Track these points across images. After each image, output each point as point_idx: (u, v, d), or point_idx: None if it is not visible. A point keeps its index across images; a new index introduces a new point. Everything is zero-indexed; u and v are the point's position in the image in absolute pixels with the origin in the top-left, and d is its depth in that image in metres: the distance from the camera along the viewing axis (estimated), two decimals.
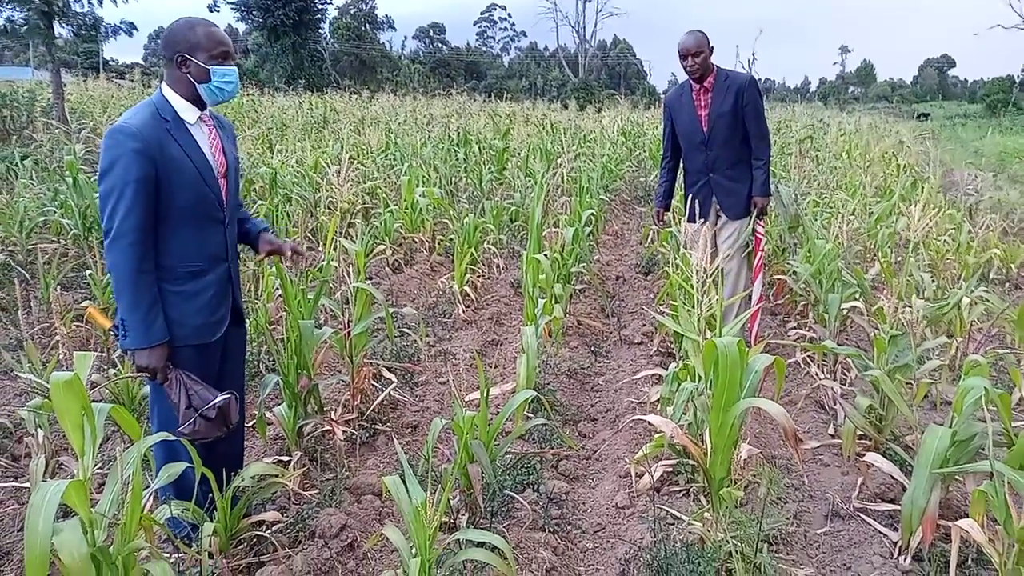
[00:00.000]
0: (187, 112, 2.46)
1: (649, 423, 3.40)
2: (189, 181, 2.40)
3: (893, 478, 3.05)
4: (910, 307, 3.25)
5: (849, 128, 17.58)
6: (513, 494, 3.01)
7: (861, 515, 3.02)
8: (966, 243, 6.24)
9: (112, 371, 3.81)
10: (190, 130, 2.45)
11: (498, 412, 3.75)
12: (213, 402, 2.47)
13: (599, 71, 72.63)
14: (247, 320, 3.65)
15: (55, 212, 6.76)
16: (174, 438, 2.27)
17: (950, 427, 2.68)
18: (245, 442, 3.61)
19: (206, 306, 2.53)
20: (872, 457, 2.99)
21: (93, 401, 3.73)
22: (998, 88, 51.85)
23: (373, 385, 4.07)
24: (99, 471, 3.38)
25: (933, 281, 5.00)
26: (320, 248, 6.50)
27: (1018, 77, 63.15)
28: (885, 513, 3.03)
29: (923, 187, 8.25)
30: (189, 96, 2.45)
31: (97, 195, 2.30)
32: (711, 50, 4.49)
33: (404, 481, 2.25)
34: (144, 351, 2.34)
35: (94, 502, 2.08)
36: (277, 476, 2.78)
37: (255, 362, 4.51)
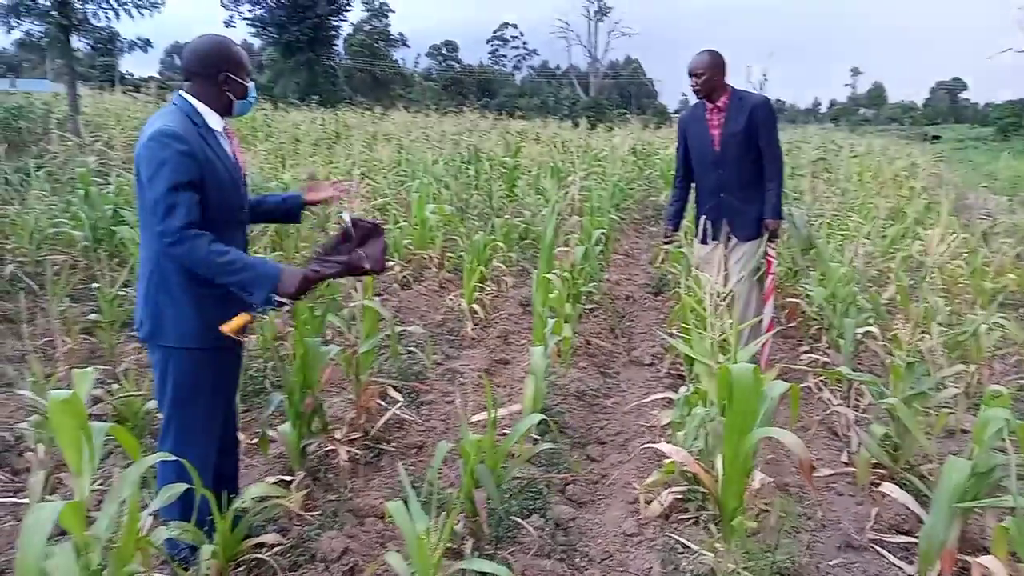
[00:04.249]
0: (214, 121, 2.53)
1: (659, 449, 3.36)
2: (223, 185, 2.47)
3: (908, 509, 2.97)
4: (928, 334, 3.19)
5: (861, 150, 17.53)
6: (519, 519, 2.95)
7: (876, 547, 2.95)
8: (981, 267, 6.16)
9: (115, 386, 3.76)
10: (218, 137, 2.53)
11: (505, 434, 3.70)
12: (345, 225, 2.58)
13: (610, 90, 72.83)
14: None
15: (66, 224, 6.76)
16: (174, 458, 2.22)
17: (969, 459, 2.62)
18: (248, 459, 3.58)
19: (238, 307, 2.58)
20: (888, 487, 2.92)
21: (95, 417, 3.70)
22: (1009, 111, 51.64)
23: (379, 404, 4.02)
24: (100, 487, 3.34)
25: (947, 306, 4.92)
26: None
27: None
28: (900, 546, 2.95)
29: (938, 211, 8.18)
30: (219, 108, 2.54)
31: (150, 198, 2.32)
32: (722, 70, 4.46)
33: (407, 506, 2.19)
34: (281, 284, 2.35)
35: (91, 521, 2.03)
36: (279, 497, 2.72)
37: (260, 378, 4.47)
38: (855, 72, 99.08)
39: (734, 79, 4.56)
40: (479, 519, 2.63)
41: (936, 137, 46.94)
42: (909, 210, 8.26)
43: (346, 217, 2.59)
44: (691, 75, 4.46)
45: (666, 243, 5.23)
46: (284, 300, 2.36)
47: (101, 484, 3.32)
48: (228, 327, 2.40)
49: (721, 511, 2.58)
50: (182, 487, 2.22)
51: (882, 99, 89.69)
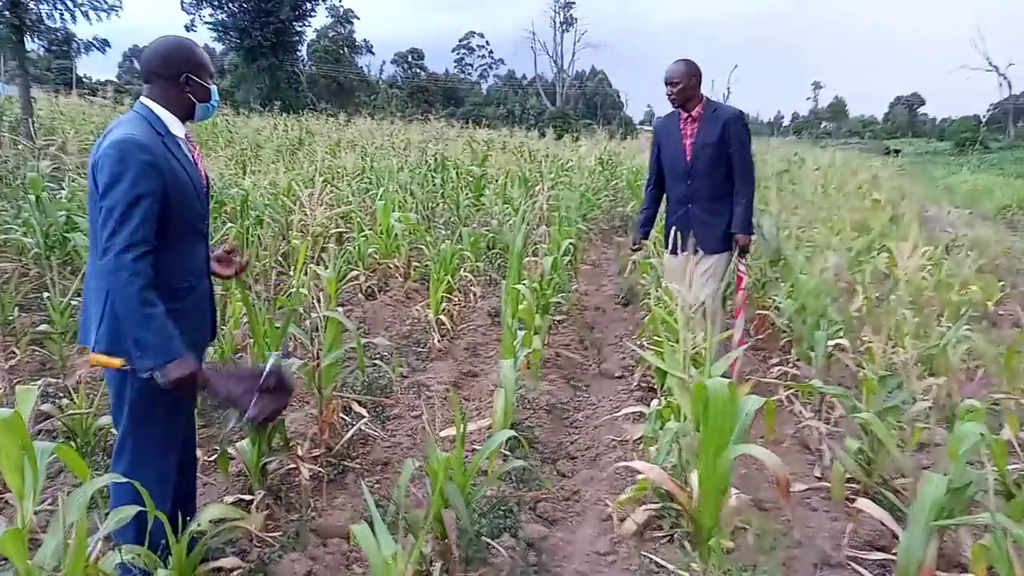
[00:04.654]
0: (176, 127, 2.41)
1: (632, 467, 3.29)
2: (186, 196, 2.35)
3: (884, 525, 2.93)
4: (902, 348, 3.17)
5: (824, 163, 17.75)
6: (489, 540, 2.85)
7: (852, 564, 2.90)
8: (945, 280, 6.22)
9: (66, 401, 3.59)
10: (181, 145, 2.40)
11: (474, 450, 3.59)
12: (268, 367, 2.42)
13: (576, 101, 73.23)
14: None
15: (16, 230, 6.53)
16: (124, 480, 2.09)
17: (945, 474, 2.58)
18: (207, 477, 3.44)
19: (199, 322, 2.50)
20: (863, 503, 2.87)
21: (44, 433, 3.53)
22: (965, 127, 53.16)
23: (343, 418, 3.90)
24: (50, 506, 3.18)
25: (915, 318, 4.93)
26: (291, 273, 6.34)
27: (984, 116, 64.72)
28: (877, 562, 2.91)
29: (904, 225, 8.28)
30: (180, 113, 2.41)
31: (102, 207, 2.18)
32: (698, 79, 4.42)
33: (373, 529, 2.09)
34: (173, 364, 2.19)
35: (38, 543, 1.91)
36: (237, 519, 2.59)
37: None
38: (817, 86, 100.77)
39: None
40: (448, 541, 2.53)
41: (896, 151, 47.88)
42: (873, 222, 8.33)
43: (270, 362, 2.47)
44: (667, 84, 4.42)
45: (634, 250, 5.18)
46: (161, 380, 2.20)
47: (51, 504, 3.17)
48: (98, 358, 2.26)
49: (697, 530, 2.51)
50: (134, 509, 2.09)
51: (843, 113, 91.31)
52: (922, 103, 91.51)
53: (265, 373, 2.41)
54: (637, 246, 5.06)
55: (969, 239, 8.71)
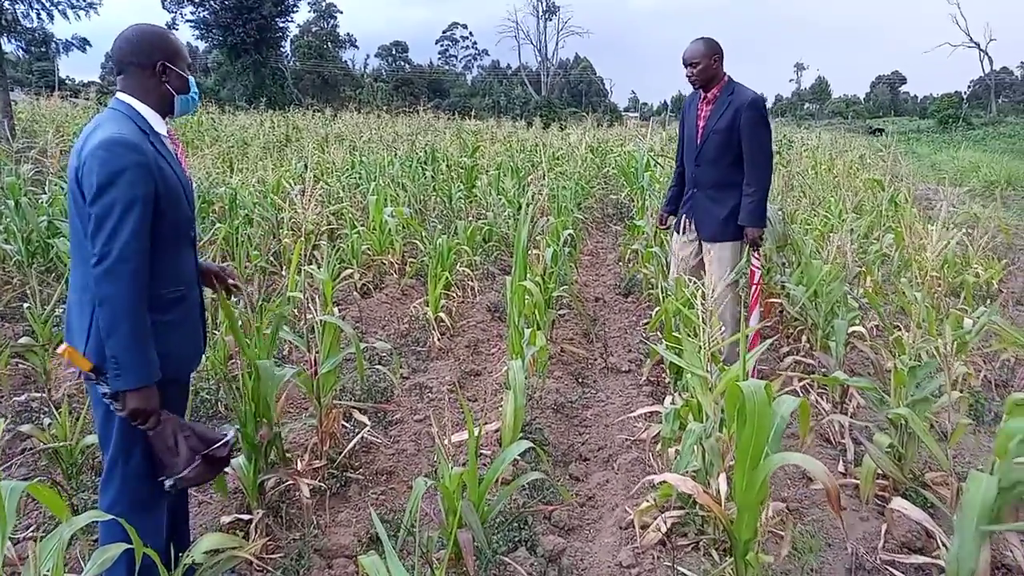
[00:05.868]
0: (158, 124, 2.20)
1: (650, 466, 3.12)
2: (176, 199, 2.15)
3: (920, 525, 2.77)
4: (931, 335, 3.00)
5: (812, 143, 17.61)
6: (505, 557, 2.67)
7: (889, 568, 2.74)
8: (953, 260, 6.07)
9: (48, 422, 3.37)
10: (165, 143, 2.19)
11: (482, 454, 3.42)
12: (227, 439, 2.27)
13: (561, 89, 72.90)
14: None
15: None
16: (109, 517, 1.89)
17: (991, 472, 2.42)
18: (201, 495, 3.25)
19: (189, 335, 2.30)
20: (899, 503, 2.70)
21: (27, 452, 3.32)
22: (947, 104, 53.23)
23: (343, 426, 3.71)
24: (34, 534, 2.99)
25: (925, 300, 4.78)
26: (283, 272, 6.13)
27: (965, 93, 64.79)
28: (915, 567, 2.75)
29: (896, 202, 8.14)
30: (158, 107, 2.20)
31: (92, 214, 1.97)
32: (718, 58, 4.21)
33: (383, 558, 1.90)
34: (141, 392, 2.01)
35: None
36: (235, 548, 2.40)
37: (213, 400, 4.13)
38: (799, 68, 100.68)
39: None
40: (464, 564, 2.34)
41: (879, 130, 47.77)
42: (871, 203, 8.19)
43: (230, 433, 2.31)
44: (686, 65, 4.22)
45: (662, 227, 5.01)
46: (118, 404, 2.04)
47: (36, 529, 2.98)
48: (74, 355, 2.06)
49: (734, 545, 2.33)
50: (120, 547, 1.90)
51: (826, 94, 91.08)
52: (903, 81, 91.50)
53: (219, 443, 2.25)
54: (665, 224, 4.88)
55: (969, 217, 8.58)
